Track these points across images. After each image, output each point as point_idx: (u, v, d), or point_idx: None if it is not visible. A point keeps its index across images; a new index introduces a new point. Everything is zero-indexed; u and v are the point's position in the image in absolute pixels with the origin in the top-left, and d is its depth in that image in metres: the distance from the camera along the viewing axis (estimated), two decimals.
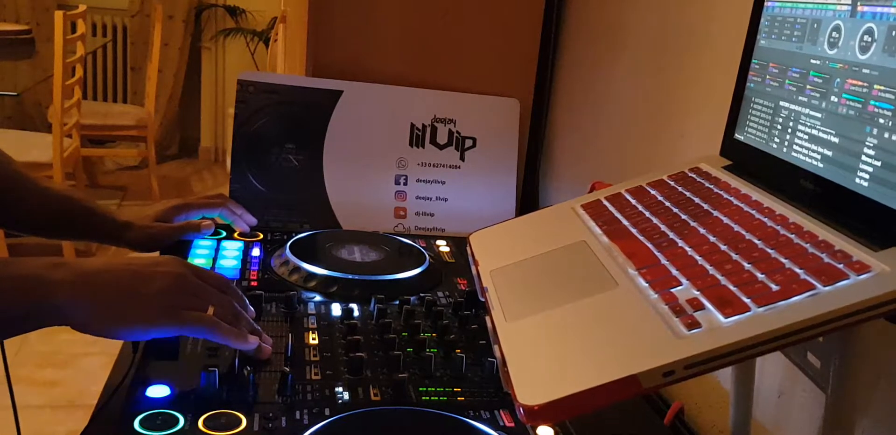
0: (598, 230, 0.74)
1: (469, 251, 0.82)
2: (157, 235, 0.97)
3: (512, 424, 0.68)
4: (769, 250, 0.58)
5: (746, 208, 0.66)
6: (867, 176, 0.56)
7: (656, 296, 0.59)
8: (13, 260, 0.67)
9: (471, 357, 0.78)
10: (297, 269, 0.94)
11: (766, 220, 0.62)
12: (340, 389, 0.71)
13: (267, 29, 4.05)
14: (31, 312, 0.66)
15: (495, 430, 0.66)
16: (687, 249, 0.63)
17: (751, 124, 0.74)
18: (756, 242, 0.60)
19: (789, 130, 0.67)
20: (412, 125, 1.26)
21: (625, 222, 0.73)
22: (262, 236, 1.07)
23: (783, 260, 0.56)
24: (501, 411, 0.70)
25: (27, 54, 3.29)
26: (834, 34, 0.62)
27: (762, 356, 0.50)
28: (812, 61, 0.65)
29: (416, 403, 0.71)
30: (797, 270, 0.54)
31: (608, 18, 1.26)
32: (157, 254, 0.96)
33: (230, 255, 0.99)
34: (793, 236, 0.58)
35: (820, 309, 0.49)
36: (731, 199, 0.69)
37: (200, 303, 0.71)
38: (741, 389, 0.69)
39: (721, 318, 0.52)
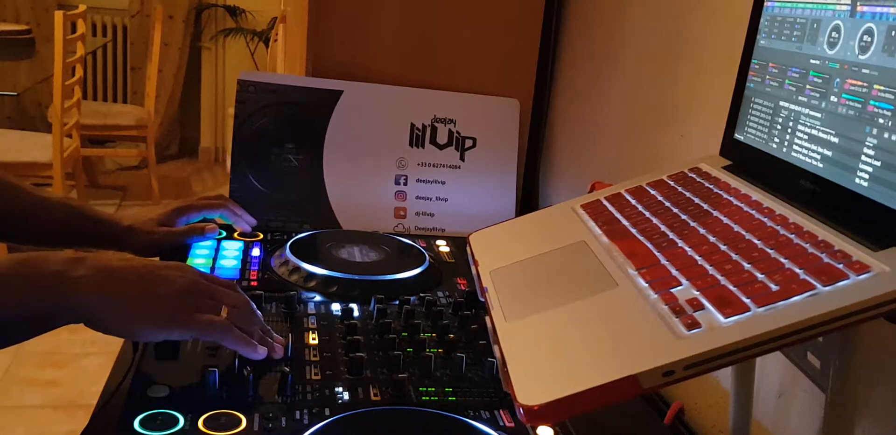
0: (597, 230, 0.74)
1: (469, 251, 0.82)
2: (160, 241, 0.97)
3: (512, 424, 0.69)
4: (769, 250, 0.58)
5: (746, 208, 0.66)
6: (867, 176, 0.56)
7: (656, 296, 0.59)
8: (32, 257, 0.67)
9: (471, 357, 0.78)
10: (297, 269, 0.94)
11: (765, 220, 0.62)
12: (340, 389, 0.71)
13: (267, 29, 4.05)
14: (53, 310, 0.66)
15: (495, 430, 0.66)
16: (687, 249, 0.63)
17: (751, 124, 0.74)
18: (756, 242, 0.60)
19: (789, 130, 0.67)
20: (412, 125, 1.26)
21: (625, 222, 0.73)
22: (262, 236, 1.07)
23: (783, 260, 0.56)
24: (501, 411, 0.70)
25: (27, 54, 3.29)
26: (833, 34, 0.62)
27: (762, 356, 0.50)
28: (812, 61, 0.65)
29: (416, 403, 0.71)
30: (797, 270, 0.54)
31: (608, 18, 1.26)
32: (157, 259, 0.96)
33: (230, 255, 0.99)
34: (792, 236, 0.58)
35: (820, 309, 0.49)
36: (731, 199, 0.69)
37: (214, 305, 0.71)
38: (741, 389, 0.69)
39: (721, 318, 0.52)
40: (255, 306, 0.77)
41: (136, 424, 0.62)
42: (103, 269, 0.68)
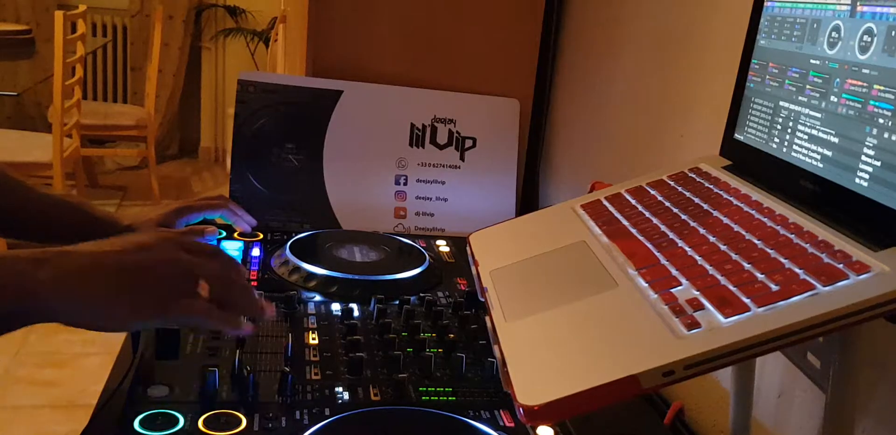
0: (597, 230, 0.74)
1: (469, 251, 0.82)
2: None
3: (512, 424, 0.69)
4: (769, 250, 0.58)
5: (746, 208, 0.66)
6: (867, 176, 0.56)
7: (656, 296, 0.59)
8: None
9: (471, 357, 0.78)
10: (297, 269, 0.94)
11: (765, 220, 0.62)
12: (340, 389, 0.71)
13: (267, 29, 4.05)
14: (15, 311, 0.64)
15: (495, 430, 0.67)
16: (687, 249, 0.63)
17: (751, 124, 0.74)
18: (756, 242, 0.60)
19: (789, 130, 0.67)
20: (412, 125, 1.26)
21: (625, 222, 0.73)
22: (262, 236, 1.07)
23: (783, 260, 0.56)
24: (501, 411, 0.70)
25: (27, 54, 3.29)
26: (833, 34, 0.62)
27: (762, 356, 0.50)
28: (812, 61, 0.65)
29: (416, 403, 0.71)
30: (797, 270, 0.54)
31: (608, 18, 1.26)
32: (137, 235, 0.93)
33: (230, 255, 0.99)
34: (792, 236, 0.58)
35: (820, 309, 0.49)
36: (731, 199, 0.69)
37: (191, 287, 0.67)
38: (741, 389, 0.69)
39: (721, 318, 0.52)
40: (236, 265, 0.71)
41: (136, 424, 0.62)
42: (69, 270, 0.65)
